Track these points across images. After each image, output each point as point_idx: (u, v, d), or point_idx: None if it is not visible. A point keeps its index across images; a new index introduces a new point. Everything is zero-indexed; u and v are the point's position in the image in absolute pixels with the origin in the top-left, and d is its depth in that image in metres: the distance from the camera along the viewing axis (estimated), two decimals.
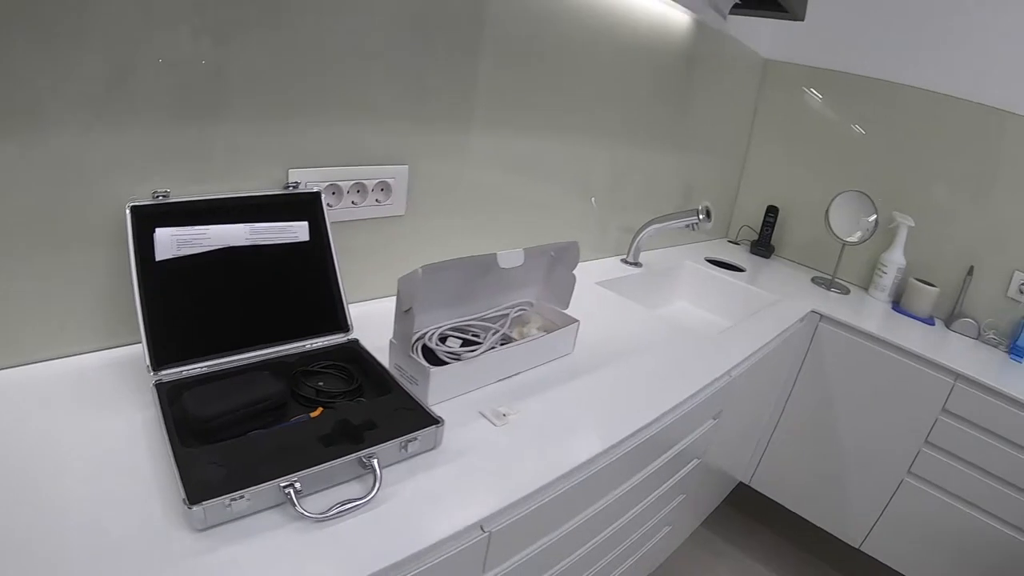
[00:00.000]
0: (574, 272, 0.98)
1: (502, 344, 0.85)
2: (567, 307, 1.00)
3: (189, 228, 0.72)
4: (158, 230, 0.70)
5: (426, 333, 0.84)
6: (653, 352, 1.10)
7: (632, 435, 0.83)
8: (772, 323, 1.46)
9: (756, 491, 1.95)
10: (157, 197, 0.72)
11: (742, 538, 1.98)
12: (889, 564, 1.71)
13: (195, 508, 0.50)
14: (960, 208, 1.86)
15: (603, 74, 1.42)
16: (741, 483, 1.97)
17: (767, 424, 1.84)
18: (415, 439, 0.64)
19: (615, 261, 1.68)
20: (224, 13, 0.73)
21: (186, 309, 0.71)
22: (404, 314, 0.76)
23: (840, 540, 1.80)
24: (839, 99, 2.03)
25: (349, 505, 0.57)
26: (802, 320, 1.61)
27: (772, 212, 2.09)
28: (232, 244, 0.75)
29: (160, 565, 0.48)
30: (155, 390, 0.66)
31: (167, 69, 0.70)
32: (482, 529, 0.62)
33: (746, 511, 2.06)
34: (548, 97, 1.29)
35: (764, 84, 2.14)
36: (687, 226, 1.56)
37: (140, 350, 0.67)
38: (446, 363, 0.78)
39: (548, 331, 0.93)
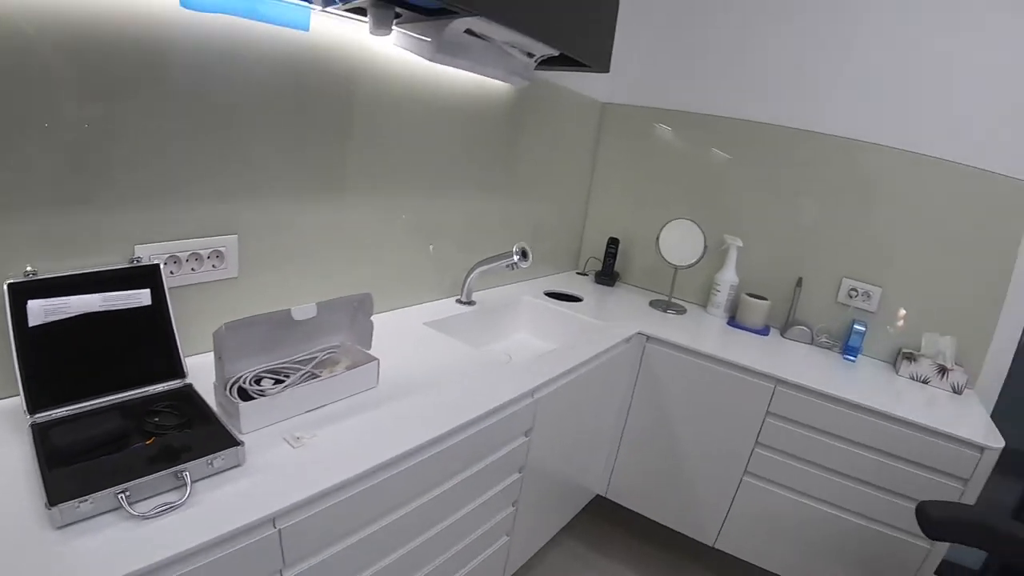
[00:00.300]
0: (372, 318, 1.31)
1: (308, 381, 1.20)
2: (370, 347, 1.33)
3: (54, 299, 1.03)
4: (30, 302, 1.00)
5: (243, 376, 1.18)
6: (459, 381, 1.35)
7: (418, 449, 1.13)
8: (589, 347, 1.81)
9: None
10: (28, 275, 1.03)
11: (608, 545, 2.34)
12: (742, 557, 2.08)
13: (53, 509, 0.81)
14: (787, 226, 2.31)
15: (438, 135, 1.77)
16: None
17: (612, 438, 2.20)
18: (219, 457, 0.96)
19: (450, 302, 2.00)
20: (90, 110, 1.05)
21: (54, 364, 1.02)
22: (219, 361, 1.09)
23: (696, 540, 2.17)
24: (673, 135, 2.48)
25: (166, 507, 0.86)
26: (628, 341, 1.99)
27: (613, 243, 2.52)
28: (89, 310, 1.06)
29: (29, 551, 0.76)
30: (31, 430, 0.96)
31: (36, 171, 1.01)
32: (274, 525, 0.91)
33: (611, 520, 2.44)
34: (381, 162, 1.64)
35: (603, 126, 2.59)
36: (508, 266, 1.93)
37: (19, 399, 0.98)
38: (254, 399, 1.12)
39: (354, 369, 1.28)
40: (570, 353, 1.68)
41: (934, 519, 1.43)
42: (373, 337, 1.33)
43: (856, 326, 2.19)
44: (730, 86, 2.37)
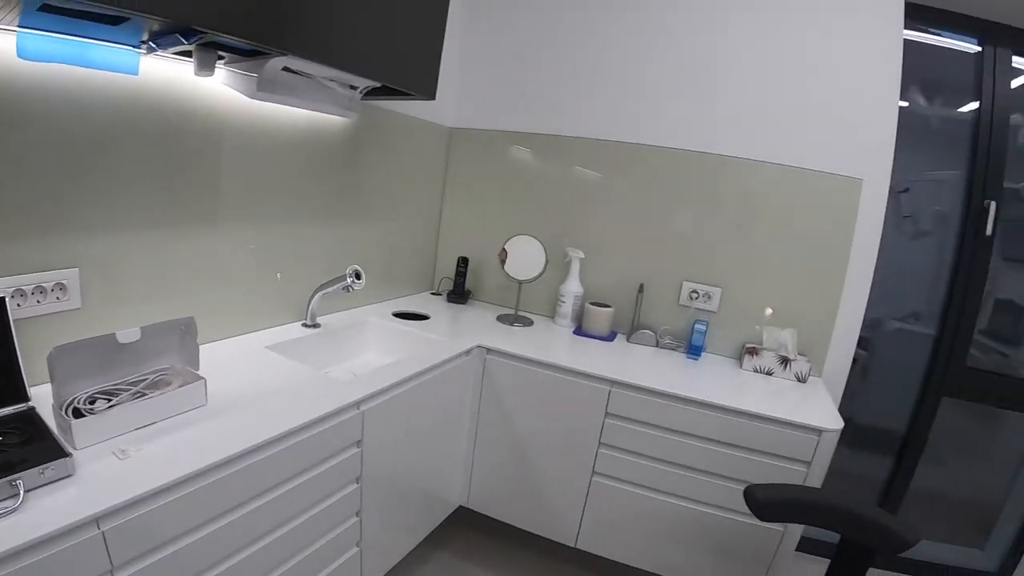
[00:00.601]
0: (197, 341, 1.60)
1: (136, 400, 1.48)
2: (198, 368, 1.61)
3: None
4: None
5: (78, 396, 1.45)
6: (288, 398, 1.57)
7: (236, 458, 1.27)
8: (421, 360, 1.99)
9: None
10: None
11: (480, 555, 2.62)
12: (604, 555, 2.38)
13: None
14: (627, 235, 2.72)
15: (281, 167, 2.04)
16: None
17: (466, 449, 2.50)
18: (50, 467, 1.20)
19: (297, 326, 2.24)
20: None
21: None
22: (54, 383, 1.37)
23: (559, 543, 2.47)
24: (518, 155, 2.87)
25: (2, 510, 1.10)
26: (468, 354, 2.30)
27: (463, 262, 2.87)
28: None
29: None
30: None
31: None
32: (97, 526, 1.03)
33: (481, 529, 2.73)
34: (226, 195, 1.87)
35: (452, 150, 2.94)
36: (344, 288, 2.23)
37: None
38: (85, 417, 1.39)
39: None
40: (399, 367, 1.91)
41: (761, 501, 1.64)
42: (214, 361, 1.64)
43: (697, 326, 2.58)
44: (569, 105, 2.79)
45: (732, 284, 2.67)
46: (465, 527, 2.66)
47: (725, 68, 2.60)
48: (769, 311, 2.64)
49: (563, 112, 2.81)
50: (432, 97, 2.19)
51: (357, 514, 1.78)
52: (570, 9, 2.75)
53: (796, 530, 2.16)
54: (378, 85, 2.01)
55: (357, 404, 1.66)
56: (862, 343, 3.07)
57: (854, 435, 3.15)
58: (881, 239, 2.67)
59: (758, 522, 2.10)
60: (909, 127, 2.85)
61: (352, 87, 2.03)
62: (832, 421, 2.00)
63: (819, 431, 1.96)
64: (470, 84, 2.87)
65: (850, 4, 2.50)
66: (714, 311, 2.68)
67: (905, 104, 2.88)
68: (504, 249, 2.62)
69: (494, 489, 2.42)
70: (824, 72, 2.52)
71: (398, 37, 1.93)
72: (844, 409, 2.92)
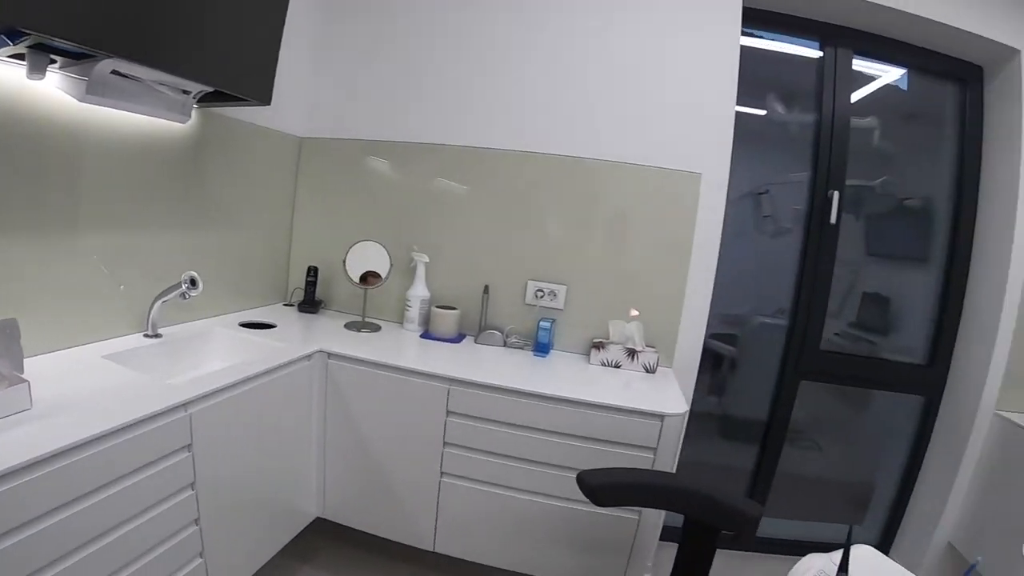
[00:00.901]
0: (21, 344, 1.71)
1: None
2: (23, 371, 1.71)
3: None
4: None
5: None
6: (113, 402, 1.61)
7: (45, 459, 1.30)
8: (249, 366, 2.06)
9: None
10: None
11: (344, 567, 2.76)
12: (462, 557, 2.42)
13: None
14: (472, 237, 2.99)
15: (120, 175, 2.12)
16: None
17: (315, 457, 2.64)
18: None
19: (139, 336, 2.28)
20: None
21: None
22: None
23: (419, 548, 2.46)
24: (365, 163, 3.12)
25: None
26: (310, 359, 2.47)
27: (312, 272, 3.10)
28: None
29: None
30: None
31: None
32: None
33: (343, 540, 2.87)
34: (64, 205, 1.96)
35: (302, 159, 3.18)
36: (181, 295, 2.38)
37: None
38: None
39: None
40: (232, 371, 1.99)
41: (592, 485, 1.75)
42: (44, 368, 1.77)
43: (541, 323, 2.86)
44: (414, 111, 3.06)
45: (578, 281, 2.97)
46: (330, 539, 2.78)
47: (568, 70, 2.93)
48: (634, 312, 2.94)
49: (409, 118, 2.97)
50: (267, 102, 2.37)
51: (196, 522, 1.82)
52: (423, 22, 3.04)
53: (654, 518, 2.29)
54: (210, 90, 2.17)
55: (184, 406, 1.72)
56: (731, 339, 3.46)
57: (729, 428, 3.56)
58: (745, 239, 3.09)
59: (612, 511, 2.36)
60: (768, 133, 3.34)
61: (185, 91, 2.18)
62: (675, 406, 2.22)
63: (661, 416, 2.16)
64: (321, 94, 3.07)
65: (692, 9, 2.88)
66: (560, 308, 2.98)
67: (763, 112, 3.34)
68: (347, 255, 2.76)
69: (349, 498, 2.52)
70: (666, 74, 2.89)
71: (231, 42, 2.07)
72: (717, 405, 3.29)
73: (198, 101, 2.22)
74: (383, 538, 2.53)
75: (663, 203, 2.76)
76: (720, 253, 3.01)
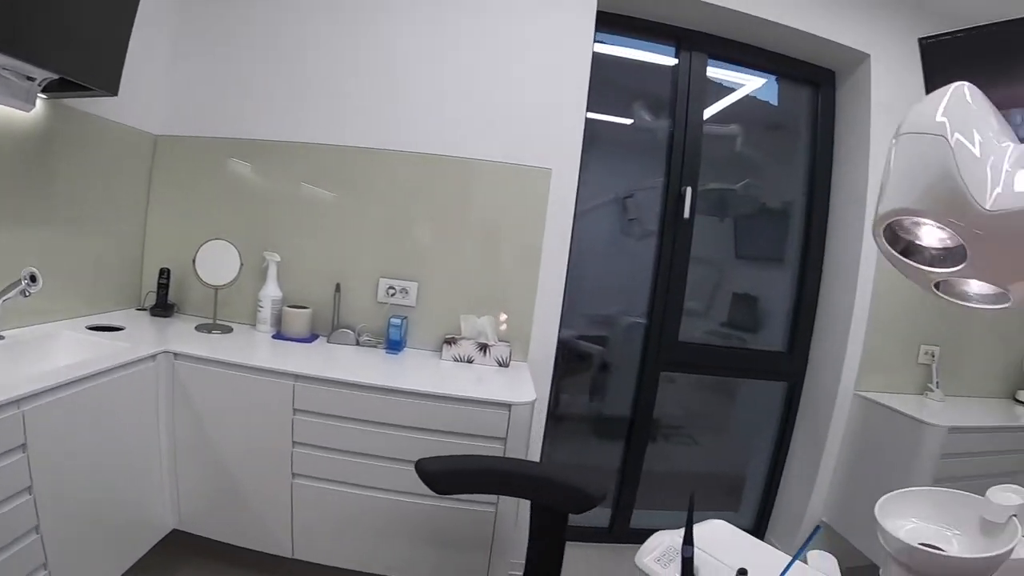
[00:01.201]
0: None
1: None
2: None
3: None
4: None
5: None
6: None
7: None
8: (90, 364, 1.98)
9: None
10: None
11: None
12: (322, 562, 2.35)
13: None
14: (323, 235, 2.97)
15: None
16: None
17: (166, 466, 2.52)
18: None
19: None
20: None
21: None
22: None
23: (280, 556, 2.36)
24: (220, 162, 3.08)
25: None
26: (154, 359, 2.37)
27: (164, 274, 3.05)
28: None
29: None
30: None
31: None
32: None
33: (203, 552, 2.71)
34: None
35: (157, 157, 3.13)
36: (21, 292, 2.25)
37: None
38: None
39: None
40: (71, 369, 1.90)
41: (431, 473, 1.75)
42: None
43: (392, 320, 2.88)
44: (272, 109, 3.04)
45: (429, 278, 3.00)
46: (189, 552, 2.62)
47: (429, 68, 2.98)
48: (504, 316, 2.98)
49: (265, 115, 2.94)
50: (114, 92, 2.29)
51: (36, 530, 1.73)
52: (291, 20, 3.03)
53: (511, 509, 2.38)
54: (56, 77, 2.10)
55: (16, 403, 1.62)
56: (600, 340, 3.54)
57: (604, 428, 3.64)
58: (612, 243, 3.22)
59: (470, 506, 2.36)
60: (635, 141, 3.51)
61: (29, 78, 2.11)
62: (524, 395, 2.25)
63: (508, 405, 2.18)
64: (179, 88, 2.96)
65: (549, 9, 2.98)
66: (412, 305, 2.99)
67: (630, 121, 3.50)
68: (196, 255, 2.70)
69: (205, 507, 2.42)
70: (521, 73, 2.97)
71: (77, 27, 1.98)
72: (591, 405, 3.42)
73: (44, 89, 2.13)
74: (244, 548, 2.43)
75: (514, 199, 2.83)
76: (587, 256, 3.15)
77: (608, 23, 3.02)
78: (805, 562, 1.56)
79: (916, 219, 1.06)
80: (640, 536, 1.57)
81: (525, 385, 2.45)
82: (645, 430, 3.35)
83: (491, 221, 2.88)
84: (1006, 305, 1.11)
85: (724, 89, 3.60)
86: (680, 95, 3.38)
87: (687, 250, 3.21)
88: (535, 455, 2.78)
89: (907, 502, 1.79)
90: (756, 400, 3.86)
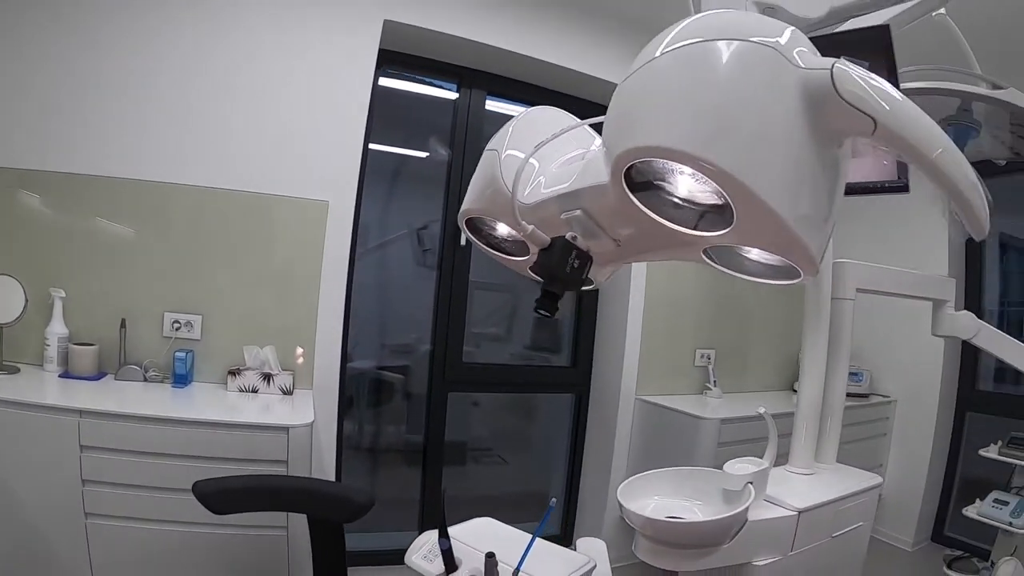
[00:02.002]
0: None
1: None
2: None
3: None
4: None
5: None
6: None
7: None
8: None
9: None
10: None
11: None
12: None
13: None
14: (110, 270, 2.91)
15: None
16: None
17: None
18: None
19: None
20: None
21: None
22: None
23: None
24: (11, 194, 2.92)
25: None
26: None
27: None
28: None
29: None
30: None
31: None
32: None
33: None
34: None
35: None
36: None
37: None
38: None
39: None
40: None
41: (207, 492, 1.76)
42: None
43: (177, 354, 2.90)
44: (64, 141, 2.89)
45: (213, 310, 3.01)
46: None
47: (211, 101, 2.99)
48: (300, 350, 3.04)
49: (56, 148, 2.88)
50: None
51: None
52: (81, 51, 2.94)
53: (303, 532, 2.29)
54: None
55: None
56: (402, 369, 3.65)
57: (412, 456, 3.71)
58: (409, 273, 3.40)
59: (261, 531, 2.36)
60: (429, 174, 3.67)
61: None
62: (301, 418, 2.32)
63: (286, 428, 2.22)
64: None
65: (331, 48, 3.07)
66: (198, 339, 2.99)
67: (425, 154, 3.71)
68: None
69: (4, 560, 2.19)
70: (300, 109, 3.05)
71: None
72: (400, 435, 3.56)
73: None
74: None
75: (293, 231, 2.90)
76: (387, 287, 3.33)
77: (394, 61, 3.19)
78: (574, 548, 1.75)
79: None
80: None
81: (306, 410, 2.49)
82: (438, 452, 3.42)
83: (272, 253, 2.86)
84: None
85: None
86: (460, 128, 3.57)
87: (466, 276, 3.37)
88: None
89: (650, 483, 2.02)
90: (555, 414, 4.07)
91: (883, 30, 1.45)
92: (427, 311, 3.61)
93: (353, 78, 2.96)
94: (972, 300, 4.27)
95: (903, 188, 1.85)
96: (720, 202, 0.79)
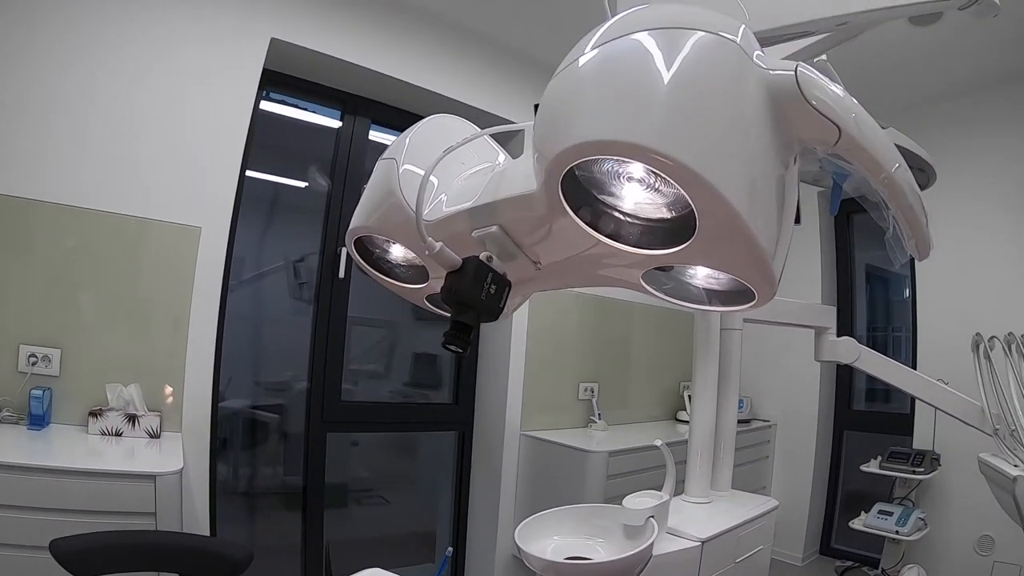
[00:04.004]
0: None
1: None
2: None
3: None
4: None
5: None
6: None
7: None
8: None
9: None
10: None
11: None
12: None
13: None
14: None
15: None
16: None
17: None
18: None
19: None
20: None
21: None
22: None
23: None
24: None
25: None
26: None
27: None
28: None
29: None
30: None
31: None
32: None
33: None
34: None
35: None
36: None
37: None
38: None
39: None
40: None
41: (67, 552, 1.69)
42: None
43: (33, 392, 2.61)
44: None
45: (74, 343, 2.74)
46: None
47: (76, 110, 2.74)
48: (169, 389, 2.80)
49: None
50: None
51: None
52: None
53: None
54: None
55: None
56: (275, 408, 3.46)
57: (292, 500, 3.49)
58: (285, 307, 3.29)
59: None
60: (307, 205, 3.54)
61: None
62: (170, 465, 2.20)
63: (153, 476, 2.01)
64: None
65: (211, 64, 2.89)
66: (56, 375, 2.71)
67: (304, 184, 3.60)
68: None
69: None
70: (176, 128, 2.84)
71: None
72: (276, 478, 3.41)
73: None
74: None
75: (162, 258, 2.68)
76: (261, 322, 3.22)
77: (277, 83, 3.08)
78: None
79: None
80: None
81: (174, 455, 2.38)
82: (319, 495, 3.29)
83: (139, 281, 2.78)
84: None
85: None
86: (341, 157, 3.48)
87: (344, 310, 3.29)
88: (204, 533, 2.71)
89: (548, 523, 1.94)
90: (438, 452, 3.97)
91: None
92: (303, 347, 3.47)
93: (234, 97, 2.82)
94: (844, 326, 4.58)
95: (797, 220, 1.86)
96: (671, 216, 0.72)
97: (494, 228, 0.91)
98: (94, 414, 2.60)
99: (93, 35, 2.79)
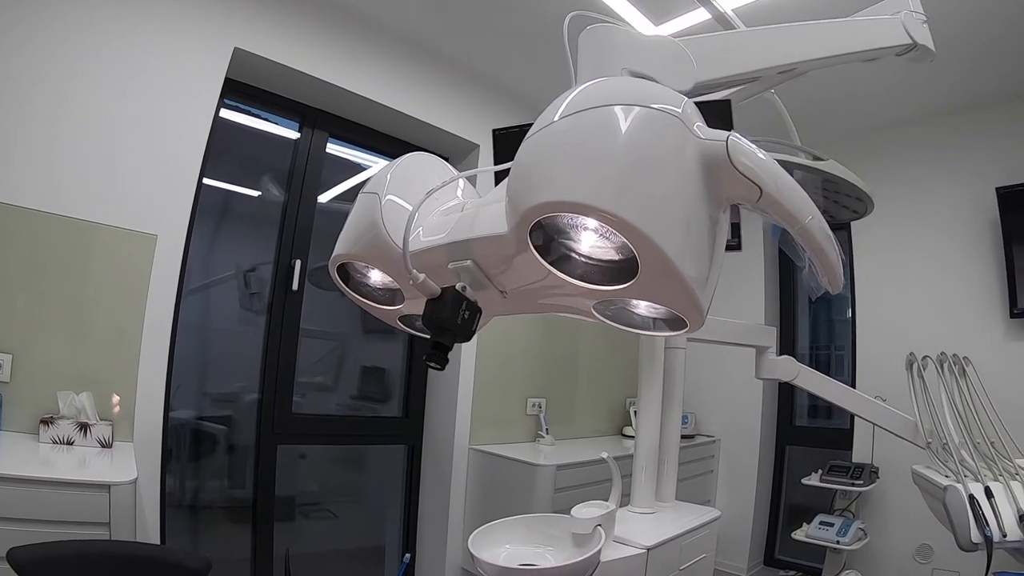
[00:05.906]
0: None
1: None
2: None
3: None
4: None
5: None
6: None
7: None
8: None
9: None
10: None
11: None
12: None
13: None
14: None
15: None
16: None
17: None
18: None
19: None
20: None
21: None
22: None
23: None
24: None
25: None
26: None
27: None
28: None
29: None
30: None
31: None
32: None
33: None
34: None
35: None
36: None
37: None
38: None
39: None
40: None
41: (23, 561, 1.71)
42: None
43: None
44: None
45: (25, 349, 2.73)
46: None
47: (30, 106, 2.72)
48: (116, 398, 2.82)
49: None
50: None
51: None
52: None
53: None
54: None
55: None
56: (225, 420, 3.51)
57: (241, 514, 3.53)
58: (234, 317, 3.34)
59: None
60: (261, 214, 3.60)
61: None
62: (124, 475, 2.23)
63: (107, 486, 2.02)
64: None
65: (171, 70, 2.92)
66: (7, 381, 2.69)
67: (257, 193, 3.62)
68: None
69: None
70: (135, 128, 2.84)
71: None
72: (223, 490, 3.46)
73: None
74: None
75: (116, 264, 2.68)
76: (210, 332, 3.25)
77: (237, 91, 3.13)
78: None
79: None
80: None
81: (127, 465, 2.41)
82: (268, 508, 3.31)
83: (92, 287, 2.77)
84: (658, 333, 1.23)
85: (355, 167, 3.84)
86: (298, 169, 3.57)
87: (296, 322, 3.34)
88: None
89: (500, 532, 2.06)
90: (387, 465, 4.06)
91: (725, 104, 1.60)
92: (252, 358, 3.50)
93: (195, 105, 2.86)
94: (787, 345, 4.83)
95: (736, 247, 2.05)
96: (618, 258, 0.88)
97: (468, 262, 1.06)
98: (45, 422, 2.63)
99: (56, 40, 2.80)
